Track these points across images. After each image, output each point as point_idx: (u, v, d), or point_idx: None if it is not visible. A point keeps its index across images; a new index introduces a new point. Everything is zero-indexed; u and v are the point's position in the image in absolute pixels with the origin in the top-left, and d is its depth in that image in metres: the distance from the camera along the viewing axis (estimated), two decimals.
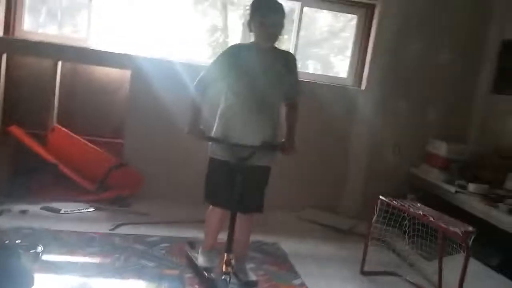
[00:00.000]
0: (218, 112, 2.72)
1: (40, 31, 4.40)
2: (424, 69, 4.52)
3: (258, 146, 2.59)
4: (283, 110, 2.78)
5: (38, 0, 4.43)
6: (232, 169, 2.55)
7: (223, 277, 2.46)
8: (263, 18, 2.53)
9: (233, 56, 2.62)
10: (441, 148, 4.29)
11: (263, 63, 2.61)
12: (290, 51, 4.49)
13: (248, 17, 2.62)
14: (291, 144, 2.71)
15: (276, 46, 2.71)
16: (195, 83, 2.66)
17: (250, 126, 2.62)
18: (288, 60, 2.72)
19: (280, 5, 2.60)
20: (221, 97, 2.72)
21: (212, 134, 2.70)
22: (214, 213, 2.83)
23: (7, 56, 4.11)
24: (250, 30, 2.63)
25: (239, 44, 2.77)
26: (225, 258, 2.50)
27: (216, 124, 2.72)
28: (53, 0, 4.50)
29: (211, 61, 2.71)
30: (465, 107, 4.62)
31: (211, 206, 2.84)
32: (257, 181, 2.73)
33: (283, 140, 2.72)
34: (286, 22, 2.63)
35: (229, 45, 2.87)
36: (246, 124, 2.62)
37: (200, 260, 2.90)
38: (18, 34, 4.18)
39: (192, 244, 3.18)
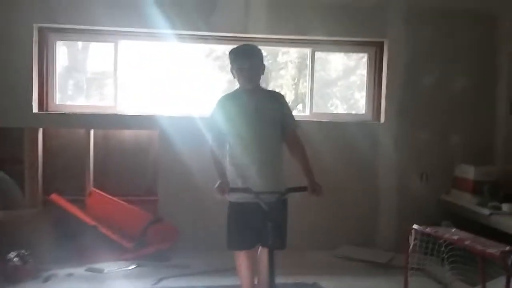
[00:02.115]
0: (227, 160, 2.84)
1: (69, 103, 4.70)
2: (440, 97, 4.62)
3: (285, 190, 2.68)
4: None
5: (66, 75, 4.76)
6: (255, 210, 2.60)
7: None
8: (241, 63, 2.75)
9: (222, 106, 2.83)
10: (469, 172, 4.30)
11: (252, 103, 2.80)
12: (306, 94, 4.70)
13: (230, 65, 2.83)
14: (315, 184, 2.75)
15: (261, 87, 2.92)
16: (210, 141, 2.83)
17: (262, 169, 2.74)
18: (275, 97, 2.94)
19: (255, 48, 2.85)
20: (226, 146, 2.85)
21: (230, 181, 2.75)
22: (241, 259, 2.88)
23: (43, 130, 4.40)
24: (234, 76, 2.84)
25: (226, 94, 2.97)
26: None
27: (229, 172, 2.81)
28: (78, 74, 4.84)
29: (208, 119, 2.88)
30: (487, 129, 4.66)
31: (236, 253, 2.89)
32: (282, 215, 2.79)
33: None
34: (266, 63, 2.85)
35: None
36: (258, 167, 2.74)
37: None
38: (51, 109, 4.48)
39: None
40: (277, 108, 2.86)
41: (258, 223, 2.63)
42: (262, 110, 2.80)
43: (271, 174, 2.79)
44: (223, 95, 2.94)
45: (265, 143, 2.79)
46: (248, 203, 2.69)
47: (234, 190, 2.70)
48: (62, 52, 4.69)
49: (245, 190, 2.67)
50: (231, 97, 2.88)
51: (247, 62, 2.74)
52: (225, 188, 2.65)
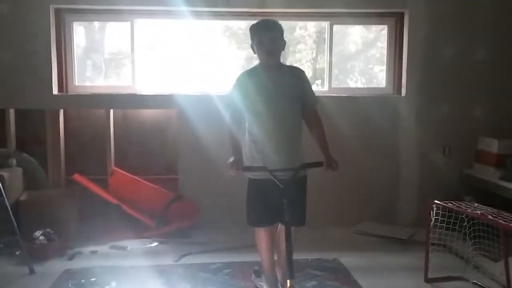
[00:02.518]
0: (246, 137, 2.81)
1: (88, 84, 4.73)
2: (463, 69, 4.48)
3: (299, 166, 2.65)
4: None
5: (83, 56, 4.78)
6: (273, 187, 2.59)
7: None
8: (261, 37, 2.70)
9: (243, 83, 2.79)
10: (492, 145, 4.20)
11: (271, 78, 2.75)
12: (325, 68, 4.62)
13: (250, 41, 2.78)
14: (330, 159, 2.73)
15: (282, 62, 2.86)
16: (227, 118, 2.80)
17: (281, 146, 2.72)
18: (295, 72, 2.88)
19: (276, 23, 2.78)
20: (245, 123, 2.82)
21: (245, 159, 2.75)
22: (261, 235, 2.89)
23: (63, 111, 4.46)
24: (254, 52, 2.79)
25: (245, 70, 2.92)
26: (288, 284, 2.46)
27: (247, 150, 2.80)
28: (96, 54, 4.86)
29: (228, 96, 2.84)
30: (511, 101, 4.51)
31: (256, 229, 2.90)
32: (300, 192, 2.81)
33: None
34: (286, 38, 2.80)
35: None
36: (277, 144, 2.72)
37: None
38: (71, 90, 4.52)
39: (258, 272, 3.17)
40: (297, 84, 2.81)
41: (276, 200, 2.62)
42: (281, 86, 2.76)
43: (289, 151, 2.76)
44: (242, 71, 2.90)
45: (283, 119, 2.75)
46: (266, 180, 2.66)
47: (247, 169, 2.70)
48: (79, 33, 4.71)
49: (259, 168, 2.66)
50: (250, 73, 2.84)
51: (266, 36, 2.70)
52: (237, 166, 2.64)
